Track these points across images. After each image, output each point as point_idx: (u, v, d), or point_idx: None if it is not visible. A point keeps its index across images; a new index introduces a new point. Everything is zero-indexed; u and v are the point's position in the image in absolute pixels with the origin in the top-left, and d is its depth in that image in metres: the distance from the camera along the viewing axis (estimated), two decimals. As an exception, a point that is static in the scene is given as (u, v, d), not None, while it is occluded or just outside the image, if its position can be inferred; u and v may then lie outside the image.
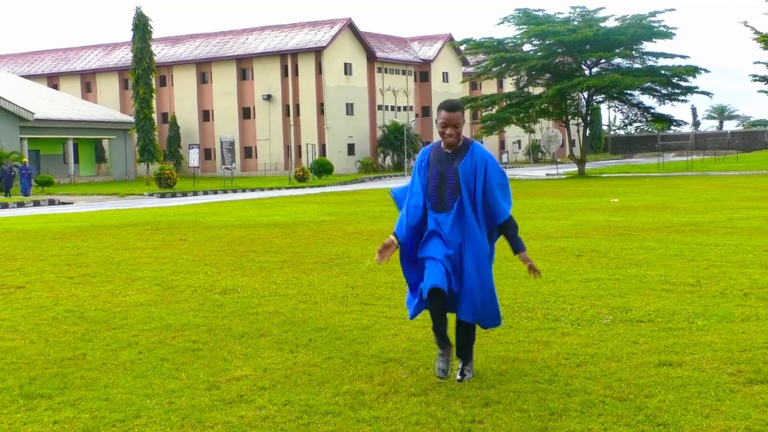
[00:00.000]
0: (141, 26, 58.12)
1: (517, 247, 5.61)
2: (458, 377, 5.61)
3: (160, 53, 70.02)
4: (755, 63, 79.65)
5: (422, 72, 78.33)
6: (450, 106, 5.57)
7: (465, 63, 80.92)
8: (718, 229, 14.88)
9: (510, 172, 54.64)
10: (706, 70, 50.04)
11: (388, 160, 72.43)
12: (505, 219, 5.59)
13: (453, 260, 5.49)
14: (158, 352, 6.61)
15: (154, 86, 60.12)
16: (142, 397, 5.43)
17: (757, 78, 52.31)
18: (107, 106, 70.77)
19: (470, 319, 5.54)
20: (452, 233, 5.52)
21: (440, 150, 5.66)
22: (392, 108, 74.72)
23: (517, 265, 10.69)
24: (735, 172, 46.85)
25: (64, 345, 6.97)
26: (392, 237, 5.60)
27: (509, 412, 4.95)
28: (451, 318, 5.72)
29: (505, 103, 53.88)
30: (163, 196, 40.56)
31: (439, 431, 4.69)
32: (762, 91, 74.36)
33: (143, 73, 58.13)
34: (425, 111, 77.83)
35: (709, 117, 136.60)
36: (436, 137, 64.24)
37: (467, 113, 74.72)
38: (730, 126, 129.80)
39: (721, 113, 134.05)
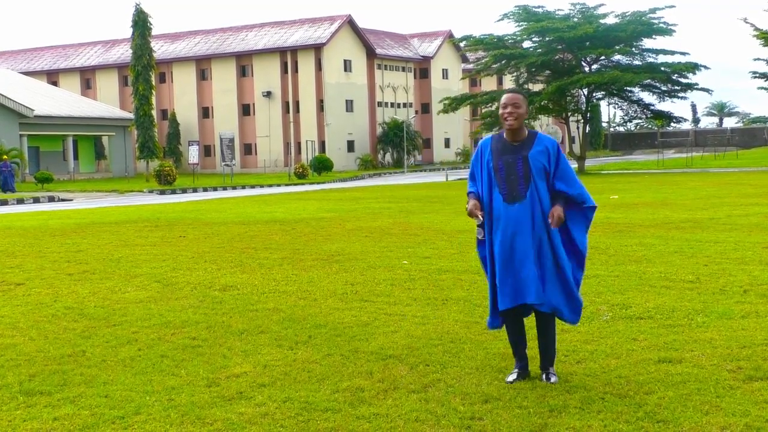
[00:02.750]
0: (140, 23, 58.10)
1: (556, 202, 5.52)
2: (545, 380, 5.52)
3: (160, 50, 69.97)
4: (755, 60, 79.34)
5: (422, 69, 78.26)
6: (511, 90, 5.66)
7: (465, 60, 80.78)
8: (718, 225, 14.88)
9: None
10: (705, 67, 49.93)
11: (388, 157, 72.42)
12: (592, 204, 5.65)
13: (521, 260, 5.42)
14: (158, 349, 6.61)
15: (153, 83, 60.07)
16: (141, 394, 5.43)
17: (757, 75, 52.15)
18: (107, 102, 70.73)
19: (534, 300, 5.38)
20: (524, 222, 5.43)
21: (503, 140, 5.57)
22: (392, 105, 74.67)
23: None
24: (735, 169, 46.79)
25: (63, 342, 6.97)
26: (474, 200, 5.53)
27: (509, 408, 4.95)
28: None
29: (505, 100, 53.75)
30: (162, 192, 40.52)
31: (439, 428, 4.69)
32: (762, 88, 74.09)
33: (143, 70, 58.09)
34: (425, 108, 77.74)
35: (709, 114, 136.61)
36: (437, 134, 63.85)
37: (467, 110, 74.71)
38: (729, 123, 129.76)
39: (721, 110, 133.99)
